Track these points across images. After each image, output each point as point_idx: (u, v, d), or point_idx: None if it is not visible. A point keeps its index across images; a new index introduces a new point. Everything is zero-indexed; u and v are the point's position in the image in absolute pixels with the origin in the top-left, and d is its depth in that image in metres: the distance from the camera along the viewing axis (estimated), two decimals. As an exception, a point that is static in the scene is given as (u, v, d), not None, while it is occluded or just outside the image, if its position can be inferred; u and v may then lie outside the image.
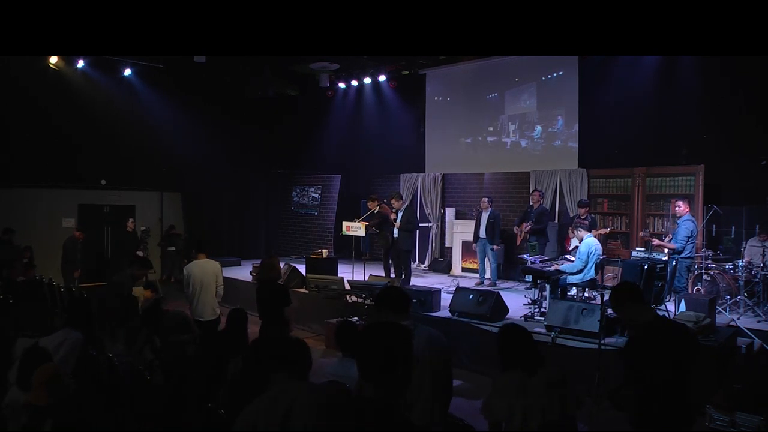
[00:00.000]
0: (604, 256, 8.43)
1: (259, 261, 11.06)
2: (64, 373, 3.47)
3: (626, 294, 3.51)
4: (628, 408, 3.44)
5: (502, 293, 8.07)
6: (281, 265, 9.37)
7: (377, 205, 10.10)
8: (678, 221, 8.10)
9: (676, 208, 8.20)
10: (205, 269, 6.78)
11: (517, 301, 8.42)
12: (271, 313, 6.01)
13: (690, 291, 7.95)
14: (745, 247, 8.18)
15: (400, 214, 9.71)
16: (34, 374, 3.39)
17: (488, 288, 9.41)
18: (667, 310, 7.34)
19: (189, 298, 6.71)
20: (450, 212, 12.66)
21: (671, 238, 8.13)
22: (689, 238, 7.86)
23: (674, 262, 7.62)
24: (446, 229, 12.65)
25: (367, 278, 9.57)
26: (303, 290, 9.71)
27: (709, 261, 8.24)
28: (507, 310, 7.71)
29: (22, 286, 8.29)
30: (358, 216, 13.10)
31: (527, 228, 9.82)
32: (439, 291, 8.48)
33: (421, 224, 12.90)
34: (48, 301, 8.58)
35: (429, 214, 12.94)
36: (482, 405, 3.27)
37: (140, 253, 11.49)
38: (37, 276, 9.25)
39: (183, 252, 13.09)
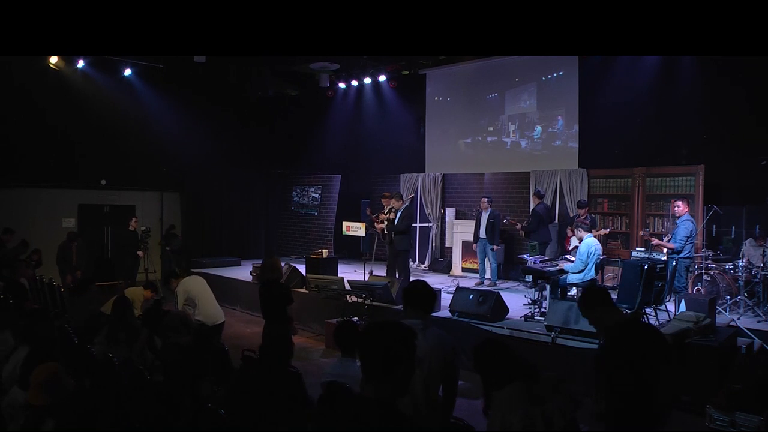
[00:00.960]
0: (604, 256, 8.43)
1: (258, 261, 11.11)
2: (63, 373, 3.42)
3: (598, 298, 3.57)
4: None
5: (502, 293, 8.07)
6: (281, 265, 9.39)
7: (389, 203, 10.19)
8: (677, 221, 8.11)
9: (675, 208, 8.21)
10: (198, 281, 7.05)
11: (517, 301, 8.42)
12: (274, 313, 6.08)
13: (690, 291, 7.95)
14: (743, 247, 8.19)
15: (398, 214, 9.70)
16: (32, 375, 3.34)
17: (488, 288, 9.41)
18: (667, 310, 7.34)
19: (195, 308, 6.76)
20: (450, 212, 12.67)
21: (670, 238, 8.13)
22: (688, 238, 7.86)
23: (674, 262, 7.62)
24: (446, 229, 12.65)
25: (367, 278, 9.57)
26: (303, 290, 9.70)
27: (709, 261, 8.24)
28: (507, 310, 7.71)
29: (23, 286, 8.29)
30: (358, 217, 13.15)
31: (519, 226, 9.97)
32: (439, 291, 8.46)
33: (421, 224, 12.94)
34: (48, 301, 8.60)
35: (429, 214, 12.94)
36: (489, 424, 3.18)
37: (140, 253, 11.54)
38: (38, 276, 9.27)
39: (179, 251, 13.17)
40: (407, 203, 10.47)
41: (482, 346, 3.20)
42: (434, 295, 3.45)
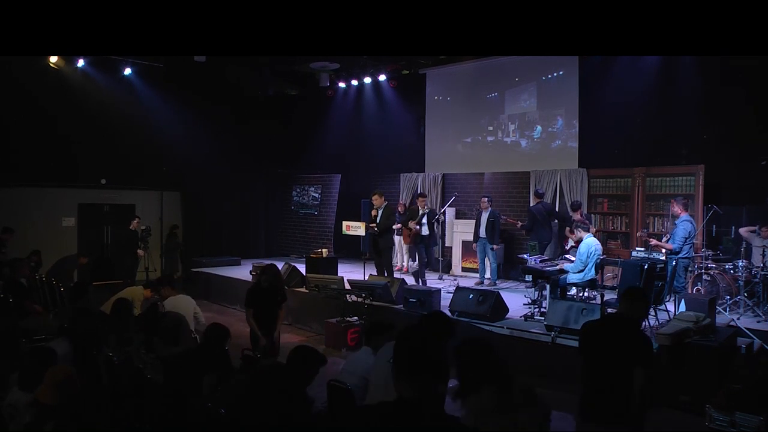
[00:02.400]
0: (604, 256, 8.43)
1: (258, 261, 11.10)
2: (75, 376, 3.50)
3: (635, 293, 3.83)
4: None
5: (502, 293, 8.07)
6: (280, 266, 9.35)
7: (424, 204, 10.43)
8: (676, 221, 8.11)
9: (672, 209, 8.24)
10: (178, 307, 6.60)
11: (517, 301, 8.42)
12: None
13: (690, 291, 7.95)
14: (744, 247, 8.18)
15: (380, 212, 9.67)
16: (47, 374, 3.43)
17: (488, 288, 9.41)
18: (667, 310, 7.34)
19: None
20: (450, 212, 12.66)
21: (669, 239, 8.13)
22: (687, 238, 7.85)
23: (674, 262, 7.62)
24: (446, 229, 12.63)
25: (367, 278, 9.57)
26: (303, 290, 9.70)
27: (709, 261, 8.24)
28: (507, 310, 7.71)
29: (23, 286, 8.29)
30: (358, 216, 13.14)
31: (519, 224, 10.06)
32: (439, 291, 8.47)
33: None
34: (48, 301, 8.59)
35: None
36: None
37: (140, 252, 11.55)
38: (38, 275, 9.27)
39: (174, 250, 13.20)
40: (427, 210, 10.50)
41: (467, 345, 3.07)
42: (448, 328, 3.66)
